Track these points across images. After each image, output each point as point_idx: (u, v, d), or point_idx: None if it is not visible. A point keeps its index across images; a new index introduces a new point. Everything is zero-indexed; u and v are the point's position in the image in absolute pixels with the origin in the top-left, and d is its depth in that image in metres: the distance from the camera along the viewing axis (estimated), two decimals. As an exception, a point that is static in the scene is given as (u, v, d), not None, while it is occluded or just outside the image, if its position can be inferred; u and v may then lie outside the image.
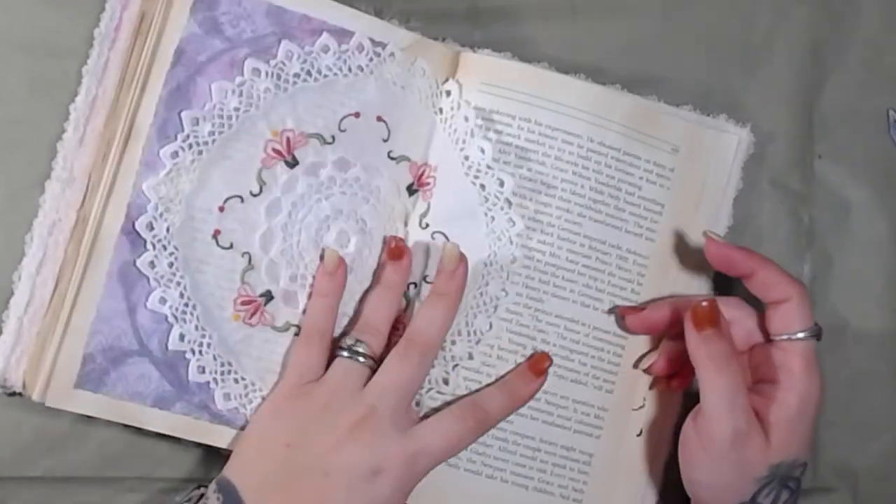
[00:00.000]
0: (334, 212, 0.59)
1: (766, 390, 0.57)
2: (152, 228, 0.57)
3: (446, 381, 0.60)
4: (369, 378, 0.57)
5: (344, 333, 0.59)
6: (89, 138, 0.58)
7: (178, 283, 0.57)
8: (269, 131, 0.58)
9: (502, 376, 0.60)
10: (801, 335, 0.57)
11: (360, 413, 0.56)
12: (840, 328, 0.66)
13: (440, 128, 0.61)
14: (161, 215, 0.57)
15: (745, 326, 0.59)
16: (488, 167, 0.61)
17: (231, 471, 0.56)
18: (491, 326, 0.61)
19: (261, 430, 0.57)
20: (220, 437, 0.58)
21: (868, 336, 0.66)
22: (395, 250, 0.60)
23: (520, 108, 0.61)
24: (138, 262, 0.57)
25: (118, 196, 0.56)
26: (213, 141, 0.57)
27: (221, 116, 0.57)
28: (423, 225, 0.61)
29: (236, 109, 0.58)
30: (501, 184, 0.61)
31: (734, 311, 0.59)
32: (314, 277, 0.59)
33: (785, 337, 0.57)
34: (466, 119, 0.61)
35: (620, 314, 0.62)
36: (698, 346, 0.56)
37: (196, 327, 0.57)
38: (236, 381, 0.58)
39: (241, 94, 0.58)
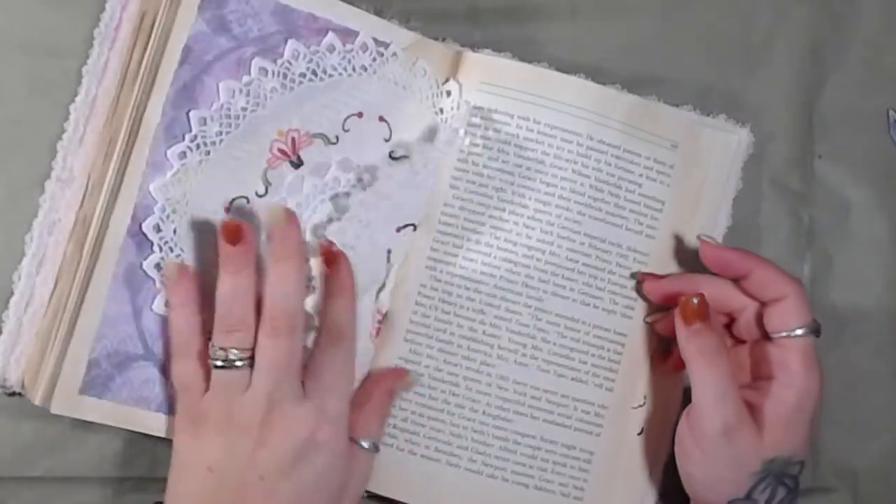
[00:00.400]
0: (337, 212, 0.59)
1: (764, 387, 0.58)
2: (159, 230, 0.56)
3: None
4: (252, 369, 0.55)
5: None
6: (89, 138, 0.58)
7: (185, 286, 0.57)
8: (274, 131, 0.58)
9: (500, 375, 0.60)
10: (799, 332, 0.57)
11: (262, 409, 0.54)
12: (840, 328, 0.66)
13: (441, 128, 0.61)
14: (168, 217, 0.56)
15: (748, 315, 0.59)
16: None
17: (168, 500, 0.55)
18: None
19: (181, 460, 0.55)
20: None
21: (868, 336, 0.67)
22: (232, 231, 0.55)
23: (519, 107, 0.61)
24: (144, 265, 0.56)
25: (124, 197, 0.56)
26: (221, 141, 0.57)
27: (229, 116, 0.57)
28: (424, 224, 0.61)
29: (243, 109, 0.57)
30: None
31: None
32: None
33: (783, 334, 0.58)
34: (466, 119, 0.61)
35: (640, 278, 0.62)
36: (688, 340, 0.57)
37: (201, 331, 0.57)
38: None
39: (248, 94, 0.57)
